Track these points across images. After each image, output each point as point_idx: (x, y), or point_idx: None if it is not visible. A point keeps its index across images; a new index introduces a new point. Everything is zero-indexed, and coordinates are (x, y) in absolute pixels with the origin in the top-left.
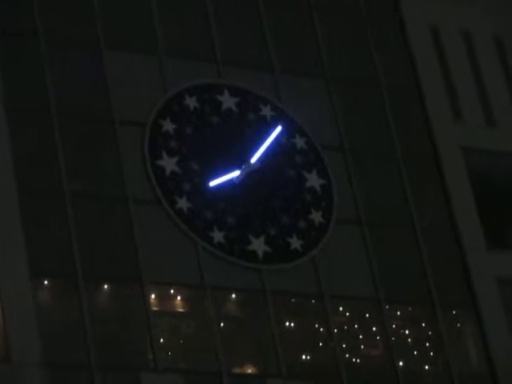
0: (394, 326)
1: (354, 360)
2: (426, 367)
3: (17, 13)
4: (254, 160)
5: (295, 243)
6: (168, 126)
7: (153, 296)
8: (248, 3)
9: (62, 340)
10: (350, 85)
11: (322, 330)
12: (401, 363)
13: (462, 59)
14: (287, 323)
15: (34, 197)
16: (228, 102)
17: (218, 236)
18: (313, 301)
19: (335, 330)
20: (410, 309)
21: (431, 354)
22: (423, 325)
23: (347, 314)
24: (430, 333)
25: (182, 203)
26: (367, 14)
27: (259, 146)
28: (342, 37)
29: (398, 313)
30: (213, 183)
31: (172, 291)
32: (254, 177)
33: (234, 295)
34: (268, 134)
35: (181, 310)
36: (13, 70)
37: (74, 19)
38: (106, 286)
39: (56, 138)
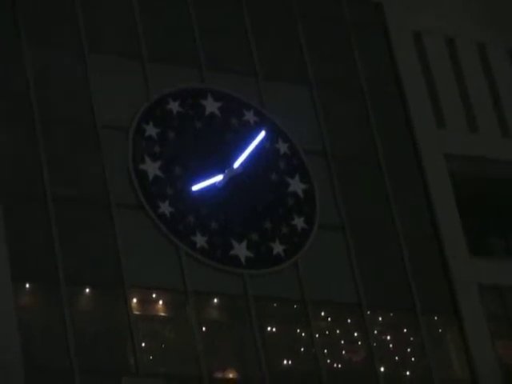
0: (375, 332)
1: (335, 365)
2: (408, 373)
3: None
4: (236, 165)
5: (278, 248)
6: (151, 130)
7: (135, 300)
8: (232, 8)
9: (43, 344)
10: (334, 91)
11: (303, 335)
12: (382, 368)
13: (445, 66)
14: (269, 328)
15: (17, 200)
16: (211, 106)
17: (200, 241)
18: (295, 306)
19: (317, 336)
20: (391, 314)
21: (413, 359)
22: (405, 330)
23: (329, 319)
24: (411, 338)
25: (165, 208)
26: (351, 20)
27: (242, 150)
28: (325, 43)
29: (380, 318)
30: (195, 188)
31: (154, 295)
32: (236, 182)
33: (216, 300)
34: (251, 139)
35: (163, 314)
36: None
37: (57, 22)
38: (87, 290)
39: (39, 143)
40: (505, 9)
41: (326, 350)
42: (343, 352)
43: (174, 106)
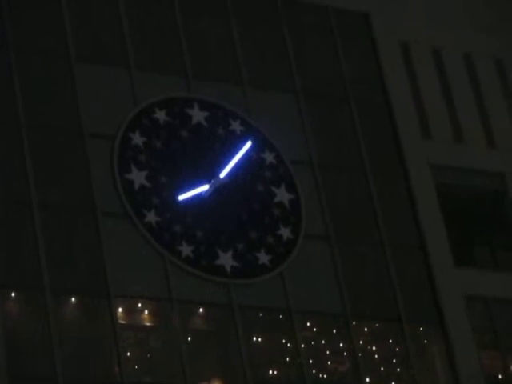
0: (361, 342)
1: (320, 376)
2: (393, 383)
3: None
4: (223, 175)
5: (263, 258)
6: (137, 139)
7: (120, 309)
8: (218, 17)
9: (27, 353)
10: (320, 100)
11: (289, 345)
12: (368, 379)
13: (432, 76)
14: (254, 338)
15: (2, 208)
16: (198, 116)
17: (186, 250)
18: (280, 316)
19: (302, 346)
20: (377, 325)
21: (398, 370)
22: (390, 341)
23: (314, 329)
24: (397, 349)
25: (151, 217)
26: (338, 29)
27: (228, 160)
28: (312, 52)
29: (365, 329)
30: (182, 197)
31: (139, 305)
32: (222, 191)
33: (201, 309)
34: (237, 149)
35: (148, 323)
36: None
37: (44, 31)
38: (73, 299)
39: (24, 150)
40: (491, 19)
41: (311, 360)
42: (329, 362)
43: (161, 115)
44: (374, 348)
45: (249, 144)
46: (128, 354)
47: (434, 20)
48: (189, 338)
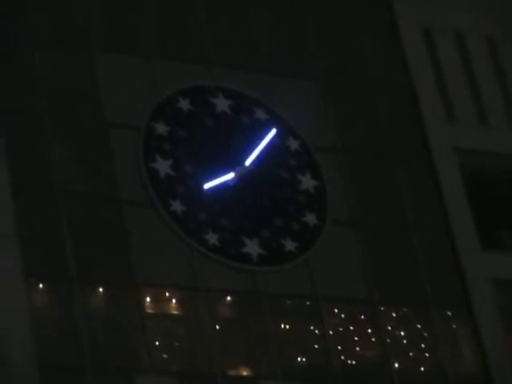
0: (388, 328)
1: (349, 362)
2: (422, 368)
3: (5, 14)
4: (247, 162)
5: (289, 245)
6: (161, 128)
7: (147, 299)
8: (241, 5)
9: (56, 343)
10: (343, 86)
11: (316, 331)
12: (396, 364)
13: (455, 60)
14: (282, 325)
15: (29, 199)
16: (222, 104)
17: (212, 238)
18: (307, 302)
19: (330, 332)
20: (404, 310)
21: (426, 355)
22: (418, 326)
23: (342, 315)
24: (424, 334)
25: (176, 206)
26: (360, 15)
27: (253, 148)
28: (335, 39)
29: (393, 314)
30: (207, 186)
31: (167, 294)
32: (248, 179)
33: (228, 297)
34: (262, 137)
35: (175, 312)
36: (4, 72)
37: (65, 21)
38: (100, 289)
39: (50, 141)
40: None
41: (339, 347)
42: (357, 348)
43: (185, 104)
44: (402, 333)
45: (273, 132)
46: (156, 343)
47: (457, 4)
48: (216, 327)
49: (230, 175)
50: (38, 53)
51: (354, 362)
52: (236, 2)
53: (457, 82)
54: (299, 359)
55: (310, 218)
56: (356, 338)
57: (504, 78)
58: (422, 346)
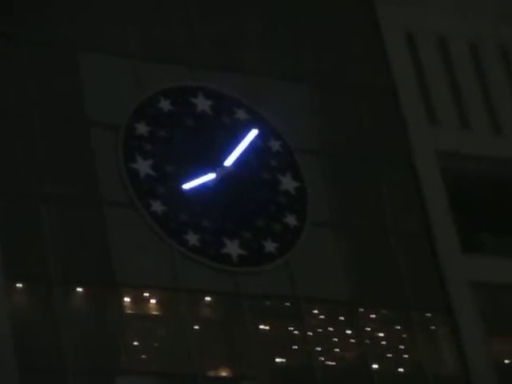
0: (368, 329)
1: (328, 363)
2: (401, 369)
3: None
4: (228, 163)
5: (270, 246)
6: (142, 128)
7: (127, 299)
8: (222, 4)
9: (35, 344)
10: (325, 88)
11: (296, 332)
12: (375, 366)
13: (437, 63)
14: (262, 326)
15: (8, 199)
16: (202, 104)
17: (192, 239)
18: (287, 303)
19: (310, 333)
20: (384, 312)
21: (405, 356)
22: (397, 327)
23: (322, 316)
24: (404, 335)
25: (157, 206)
26: (343, 19)
27: (234, 148)
28: (317, 41)
29: (372, 315)
30: (187, 186)
31: (147, 294)
32: (228, 180)
33: (208, 298)
34: (242, 137)
35: (155, 312)
36: None
37: (49, 21)
38: (79, 289)
39: (30, 140)
40: (496, 7)
41: (319, 348)
42: (336, 349)
43: (165, 105)
44: (381, 335)
45: (254, 132)
46: (135, 343)
47: (439, 8)
48: (196, 327)
49: (211, 176)
50: (25, 51)
51: (333, 363)
52: (220, 3)
53: (439, 86)
54: (279, 360)
55: (291, 220)
56: (335, 339)
57: (486, 81)
58: (401, 347)
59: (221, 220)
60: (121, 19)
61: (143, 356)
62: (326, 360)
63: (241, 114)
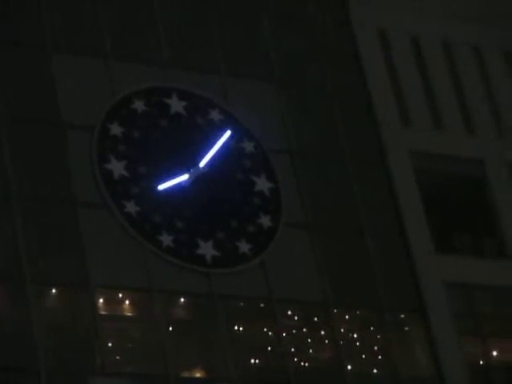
0: (342, 330)
1: (302, 364)
2: (375, 370)
3: None
4: (202, 164)
5: (244, 247)
6: (116, 129)
7: (101, 300)
8: (195, 5)
9: (8, 344)
10: (298, 88)
11: (270, 333)
12: (349, 367)
13: (410, 64)
14: (236, 327)
15: None
16: (176, 105)
17: (166, 240)
18: (261, 304)
19: (284, 334)
20: (358, 312)
21: (379, 357)
22: (371, 328)
23: (296, 317)
24: (378, 336)
25: (131, 207)
26: (315, 17)
27: (208, 149)
28: (289, 40)
29: (347, 316)
30: (161, 187)
31: (120, 295)
32: (202, 181)
33: (182, 299)
34: (216, 138)
35: (129, 313)
36: None
37: (20, 22)
38: (53, 290)
39: (3, 140)
40: (469, 5)
41: (292, 349)
42: (310, 350)
43: (139, 105)
44: (355, 336)
45: (228, 133)
46: (109, 344)
47: (412, 7)
48: (170, 328)
49: (185, 176)
50: None
51: (307, 364)
52: (191, 3)
53: (412, 86)
54: (253, 361)
55: (265, 220)
56: (309, 340)
57: (459, 82)
58: (375, 348)
59: (195, 221)
60: (94, 20)
61: (117, 357)
62: (301, 361)
63: (214, 115)
